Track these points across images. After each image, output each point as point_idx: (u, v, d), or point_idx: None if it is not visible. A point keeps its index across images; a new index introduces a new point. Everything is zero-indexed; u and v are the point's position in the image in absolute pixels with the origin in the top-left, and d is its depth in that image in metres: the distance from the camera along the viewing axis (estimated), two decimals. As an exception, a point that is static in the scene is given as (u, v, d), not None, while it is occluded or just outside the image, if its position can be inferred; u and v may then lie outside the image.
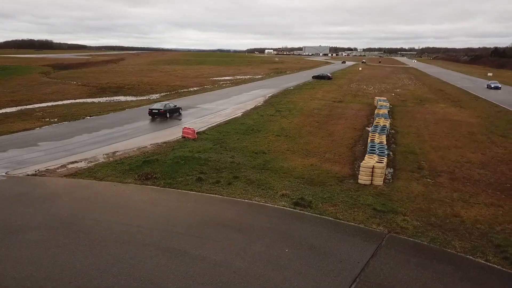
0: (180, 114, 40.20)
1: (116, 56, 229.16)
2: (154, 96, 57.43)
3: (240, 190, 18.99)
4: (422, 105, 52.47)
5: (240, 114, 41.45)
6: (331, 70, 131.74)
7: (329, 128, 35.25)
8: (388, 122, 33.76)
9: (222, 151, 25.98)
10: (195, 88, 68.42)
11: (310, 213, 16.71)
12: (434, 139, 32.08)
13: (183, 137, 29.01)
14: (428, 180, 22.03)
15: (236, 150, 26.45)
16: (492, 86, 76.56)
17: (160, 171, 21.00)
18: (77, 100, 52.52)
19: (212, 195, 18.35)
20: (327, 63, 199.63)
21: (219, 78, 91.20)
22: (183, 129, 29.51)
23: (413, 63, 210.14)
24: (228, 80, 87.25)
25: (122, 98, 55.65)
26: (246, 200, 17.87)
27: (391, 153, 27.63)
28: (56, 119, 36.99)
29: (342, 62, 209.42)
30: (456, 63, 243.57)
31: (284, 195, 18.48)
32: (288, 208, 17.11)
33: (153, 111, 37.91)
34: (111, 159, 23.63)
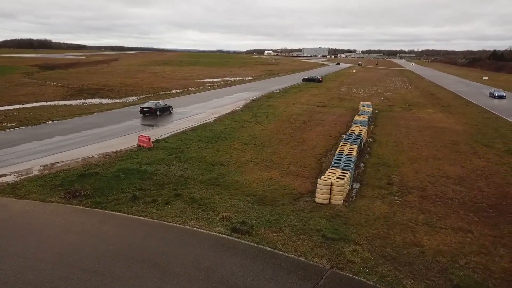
0: (170, 112, 42.34)
1: (111, 56, 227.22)
2: (132, 99, 55.27)
3: (176, 212, 16.77)
4: (409, 110, 50.32)
5: (213, 119, 39.24)
6: (325, 72, 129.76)
7: (302, 136, 33.03)
8: (365, 130, 31.53)
9: (175, 162, 23.77)
10: (178, 90, 66.24)
11: (246, 242, 14.47)
12: (413, 149, 29.87)
13: (139, 145, 26.80)
14: (396, 198, 19.83)
15: (191, 161, 24.24)
16: (496, 95, 66.66)
17: (93, 187, 18.78)
18: (49, 103, 50.31)
19: (141, 217, 16.12)
20: (323, 64, 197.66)
21: (207, 80, 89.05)
22: (138, 137, 27.29)
23: (412, 66, 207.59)
24: (216, 82, 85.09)
25: (97, 100, 53.47)
26: (178, 225, 15.64)
27: (362, 164, 25.47)
28: (14, 124, 34.77)
29: (336, 64, 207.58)
30: (453, 66, 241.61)
31: (225, 218, 16.25)
32: (223, 235, 14.88)
33: (144, 109, 40.09)
34: (46, 171, 21.39)
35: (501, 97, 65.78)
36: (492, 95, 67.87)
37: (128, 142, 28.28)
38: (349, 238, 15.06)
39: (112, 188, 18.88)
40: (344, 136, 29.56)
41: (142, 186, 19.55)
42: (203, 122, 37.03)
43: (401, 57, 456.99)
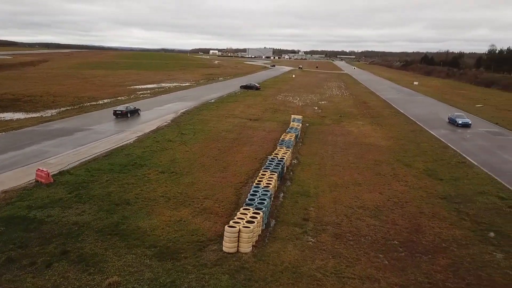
0: (139, 114, 49.20)
1: (43, 56, 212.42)
2: (51, 112, 50.80)
3: (56, 279, 14.55)
4: (339, 123, 50.82)
5: (134, 139, 36.66)
6: (265, 77, 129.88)
7: (227, 159, 31.61)
8: (289, 153, 30.74)
9: (73, 203, 21.27)
10: (105, 101, 62.24)
11: (130, 318, 12.68)
12: (335, 172, 29.53)
13: (36, 180, 23.87)
14: (309, 238, 18.98)
15: (94, 200, 21.85)
16: (460, 122, 49.98)
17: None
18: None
19: (9, 291, 13.74)
20: (265, 67, 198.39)
21: (141, 87, 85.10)
22: (36, 170, 24.30)
23: (353, 70, 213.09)
24: (150, 89, 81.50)
25: (8, 115, 48.43)
26: (53, 299, 13.48)
27: (282, 194, 24.54)
28: None
29: (271, 66, 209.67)
30: (389, 69, 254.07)
31: (112, 285, 14.31)
32: (104, 311, 12.97)
33: (117, 112, 46.89)
34: None
35: (465, 125, 49.55)
36: (452, 122, 51.64)
37: (26, 175, 25.15)
38: (248, 303, 13.78)
39: (-18, 249, 16.16)
40: (267, 161, 28.53)
41: (24, 241, 16.99)
42: (121, 144, 34.35)
43: (341, 59, 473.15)
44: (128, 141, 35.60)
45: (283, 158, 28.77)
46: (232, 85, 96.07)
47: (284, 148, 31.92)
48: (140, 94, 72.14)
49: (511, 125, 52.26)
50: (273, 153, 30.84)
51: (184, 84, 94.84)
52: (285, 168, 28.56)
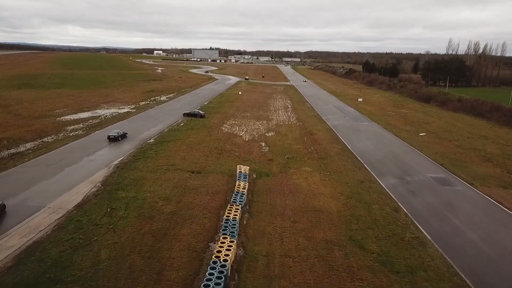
0: (127, 137, 61.48)
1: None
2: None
3: None
4: (287, 171, 48.31)
5: (52, 227, 31.26)
6: (211, 94, 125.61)
7: (162, 256, 27.46)
8: (233, 249, 27.19)
9: None
10: (27, 145, 54.95)
11: None
12: (285, 270, 26.49)
13: None
14: None
15: None
16: None
17: None
18: None
19: None
20: (210, 78, 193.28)
21: (73, 117, 77.49)
22: None
23: (302, 82, 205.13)
24: (83, 121, 74.38)
25: None
26: None
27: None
28: None
29: (205, 72, 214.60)
30: (333, 77, 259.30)
31: None
32: None
33: (110, 136, 59.13)
34: None
35: None
36: None
37: None
38: None
39: None
40: (210, 263, 24.89)
41: None
42: (35, 238, 28.88)
43: (287, 63, 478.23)
44: (45, 231, 30.21)
45: (226, 260, 25.26)
46: (174, 110, 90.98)
47: (228, 238, 28.35)
48: (71, 131, 65.17)
49: (454, 165, 52.67)
50: (217, 244, 27.29)
51: (122, 110, 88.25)
52: (229, 272, 25.02)
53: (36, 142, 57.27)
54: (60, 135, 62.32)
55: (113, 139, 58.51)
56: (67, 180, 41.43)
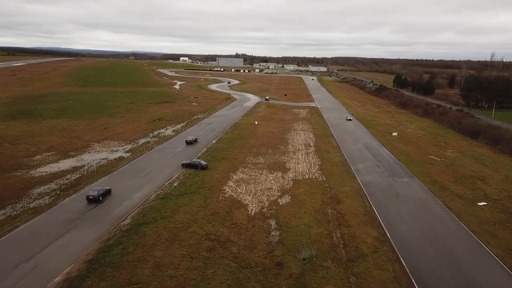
0: (111, 194, 54.40)
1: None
2: None
3: None
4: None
5: None
6: (221, 127, 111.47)
7: None
8: None
9: None
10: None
11: None
12: None
13: None
14: None
15: None
16: None
17: None
18: None
19: None
20: (228, 99, 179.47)
21: (49, 171, 64.86)
22: None
23: (328, 104, 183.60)
24: (60, 175, 61.77)
25: None
26: None
27: None
28: None
29: (228, 83, 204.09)
30: (362, 93, 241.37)
31: None
32: None
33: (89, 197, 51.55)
34: None
35: None
36: None
37: None
38: None
39: None
40: None
41: None
42: None
43: (312, 73, 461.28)
44: None
45: None
46: (175, 154, 77.43)
47: None
48: (35, 199, 52.32)
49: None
50: None
51: (115, 155, 75.42)
52: None
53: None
54: (17, 207, 49.45)
55: (91, 200, 51.53)
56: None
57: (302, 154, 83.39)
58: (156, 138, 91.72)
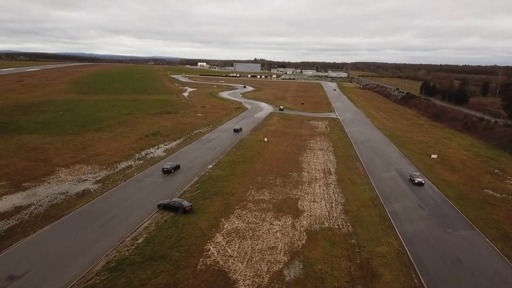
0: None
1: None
2: None
3: None
4: None
5: None
6: (223, 146, 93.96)
7: None
8: None
9: None
10: None
11: None
12: None
13: None
14: None
15: None
16: None
17: None
18: None
19: None
20: (238, 108, 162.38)
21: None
22: None
23: (350, 115, 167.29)
24: (7, 216, 45.35)
25: None
26: None
27: None
28: None
29: (243, 87, 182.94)
30: (387, 102, 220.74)
31: None
32: None
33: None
34: None
35: None
36: None
37: None
38: None
39: None
40: None
41: None
42: None
43: (332, 79, 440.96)
44: None
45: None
46: (158, 185, 60.39)
47: None
48: None
49: None
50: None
51: (79, 187, 58.99)
52: None
53: None
54: None
55: None
56: None
57: (320, 185, 65.07)
58: (141, 161, 74.97)
